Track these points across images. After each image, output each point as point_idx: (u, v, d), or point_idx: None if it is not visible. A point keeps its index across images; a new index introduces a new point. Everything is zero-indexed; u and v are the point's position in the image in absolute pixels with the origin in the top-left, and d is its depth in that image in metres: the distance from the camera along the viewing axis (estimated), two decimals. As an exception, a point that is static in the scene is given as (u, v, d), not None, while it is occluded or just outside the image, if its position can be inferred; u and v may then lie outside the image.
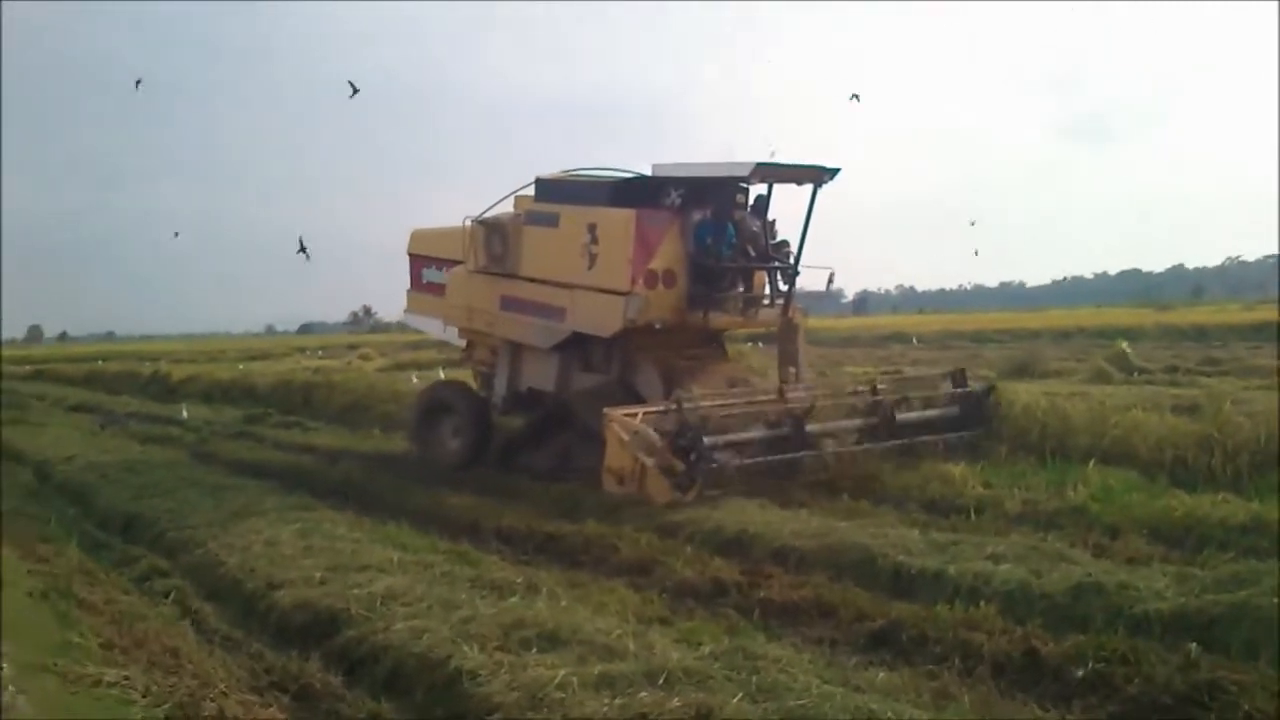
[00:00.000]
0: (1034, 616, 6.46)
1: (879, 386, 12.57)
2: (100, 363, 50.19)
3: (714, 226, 12.66)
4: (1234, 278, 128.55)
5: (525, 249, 13.66)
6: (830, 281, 13.56)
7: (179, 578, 8.77)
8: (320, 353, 53.02)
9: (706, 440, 10.47)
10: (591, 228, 12.71)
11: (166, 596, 8.20)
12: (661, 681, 5.25)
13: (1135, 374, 22.79)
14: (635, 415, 10.99)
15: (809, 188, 12.49)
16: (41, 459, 16.32)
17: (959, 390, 12.85)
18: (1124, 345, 27.72)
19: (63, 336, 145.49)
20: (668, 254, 12.46)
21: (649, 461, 10.55)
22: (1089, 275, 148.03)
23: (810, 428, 11.25)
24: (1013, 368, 23.65)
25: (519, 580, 7.61)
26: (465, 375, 17.04)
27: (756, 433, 11.19)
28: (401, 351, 45.31)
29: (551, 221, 13.32)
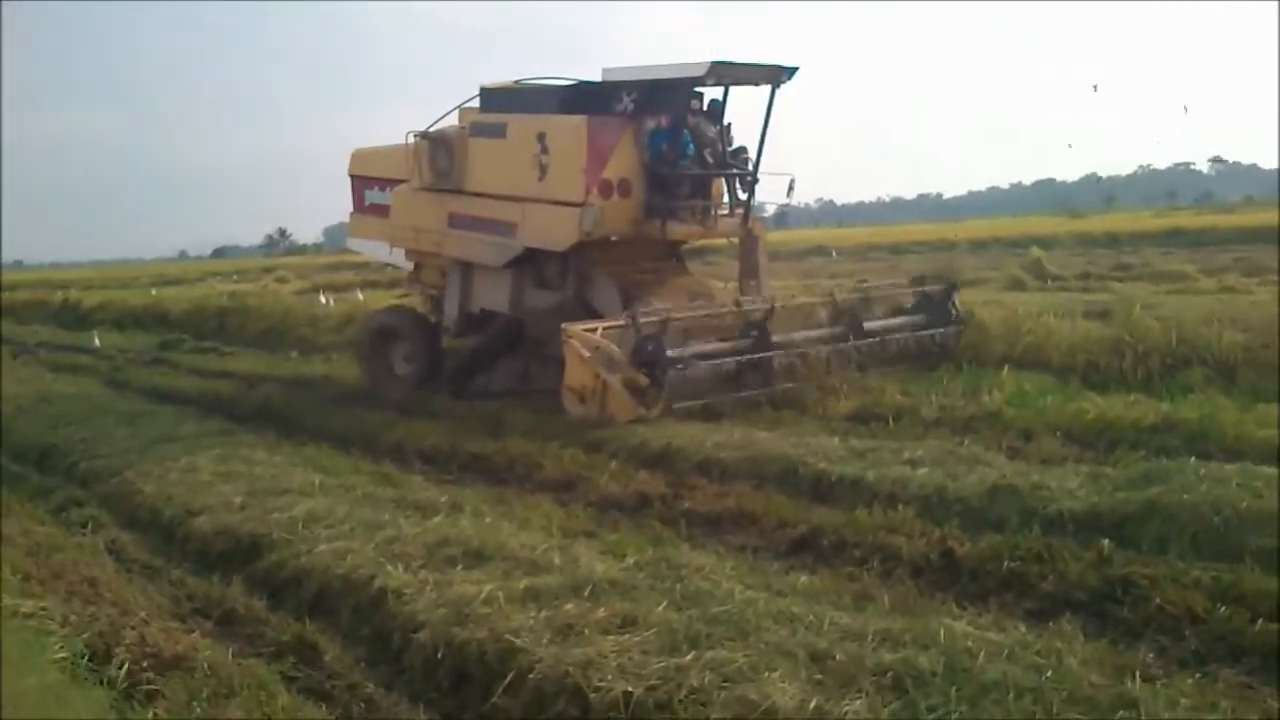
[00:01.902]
0: (951, 519, 6.59)
1: (841, 295, 12.41)
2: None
3: (669, 132, 12.14)
4: (1145, 185, 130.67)
5: (472, 163, 13.10)
6: (791, 189, 12.95)
7: (96, 507, 8.63)
8: (235, 277, 51.99)
9: (670, 353, 10.21)
10: (541, 137, 12.17)
11: (84, 526, 8.06)
12: (587, 593, 5.29)
13: (1049, 281, 23.19)
14: (594, 331, 10.71)
15: (766, 90, 12.08)
16: (-53, 392, 15.85)
17: (919, 291, 12.86)
18: (1038, 253, 28.17)
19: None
20: (622, 162, 12.02)
21: (611, 378, 10.28)
22: (1005, 186, 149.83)
23: (776, 337, 11.00)
24: (930, 278, 23.88)
25: (443, 499, 7.59)
26: (381, 296, 16.79)
27: (720, 344, 10.88)
28: (318, 274, 44.62)
29: (499, 132, 12.77)
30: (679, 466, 8.57)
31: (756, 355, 10.82)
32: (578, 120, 11.90)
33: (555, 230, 12.11)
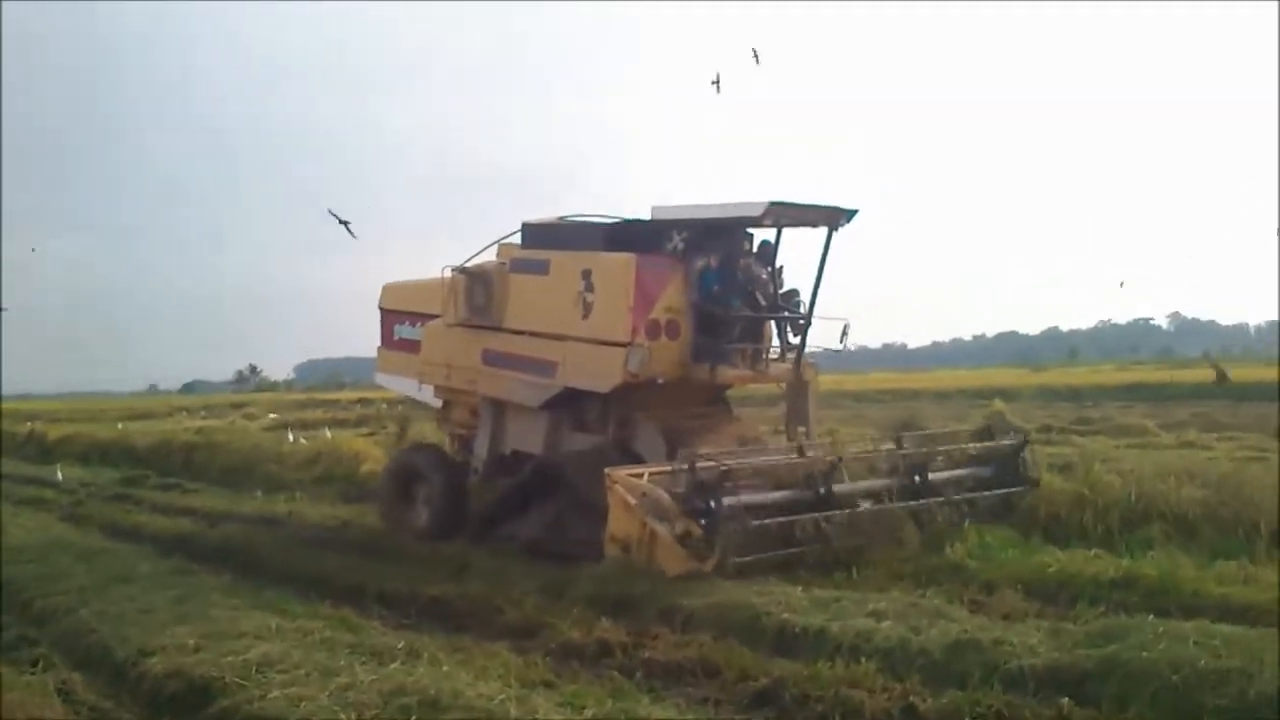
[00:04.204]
0: (913, 673, 6.55)
1: (905, 445, 11.61)
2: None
3: (720, 273, 11.83)
4: (1107, 339, 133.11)
5: (512, 299, 12.76)
6: (845, 334, 12.39)
7: (47, 646, 8.45)
8: (203, 412, 51.77)
9: (726, 502, 9.52)
10: (586, 274, 11.79)
11: (34, 665, 7.89)
12: (543, 747, 5.22)
13: (1011, 433, 23.33)
14: (640, 476, 10.07)
15: (823, 231, 11.75)
16: (-99, 523, 15.59)
17: (988, 445, 12.02)
18: (1000, 405, 28.47)
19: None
20: (670, 302, 11.63)
21: (660, 528, 9.51)
22: (967, 337, 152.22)
23: (838, 488, 10.34)
24: (894, 427, 24.03)
25: (400, 646, 7.51)
26: (348, 435, 16.65)
27: (779, 494, 10.22)
28: (288, 411, 44.53)
29: (541, 269, 12.47)
30: (642, 613, 8.49)
31: (820, 509, 10.16)
32: (626, 258, 11.57)
33: (599, 371, 11.68)
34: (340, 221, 16.69)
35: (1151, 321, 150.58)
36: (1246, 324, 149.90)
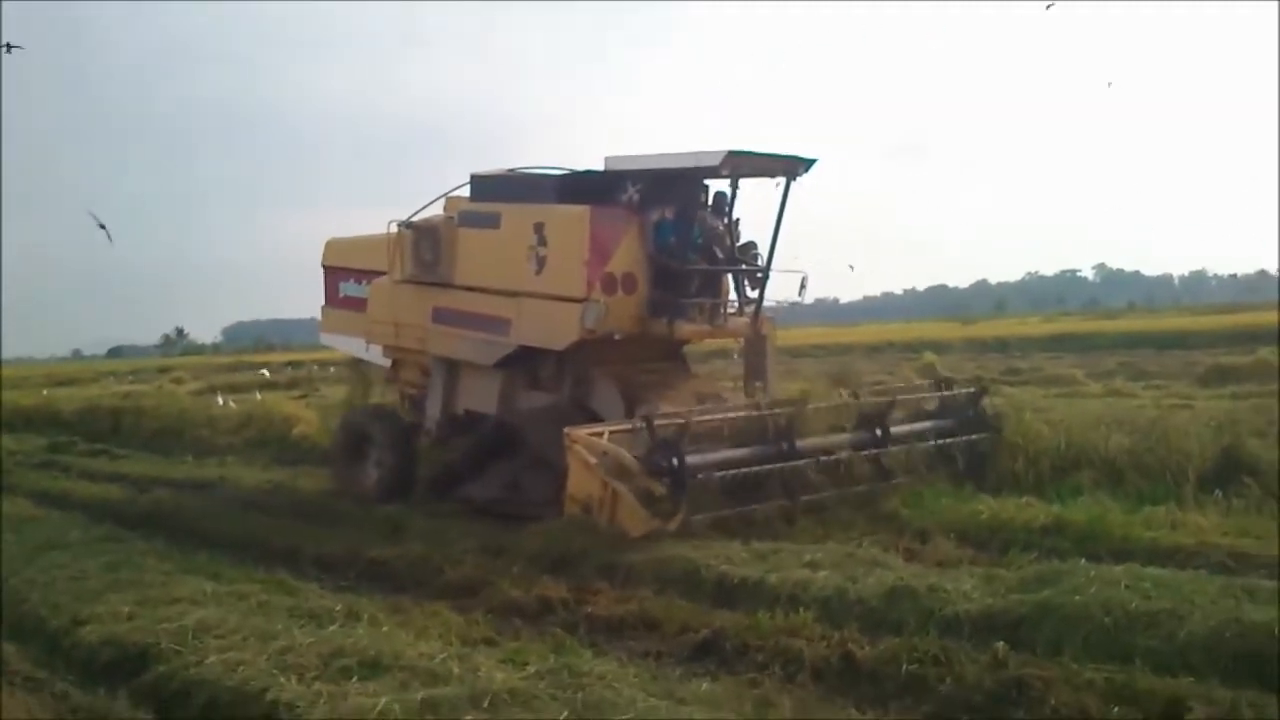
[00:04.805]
0: (850, 621, 6.63)
1: (864, 398, 11.60)
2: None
3: (677, 225, 11.45)
4: (1034, 291, 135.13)
5: (461, 254, 12.32)
6: (803, 287, 11.95)
7: (-24, 618, 8.30)
8: (130, 377, 50.85)
9: (689, 460, 9.31)
10: (539, 227, 11.37)
11: (-38, 638, 7.75)
12: (486, 704, 5.22)
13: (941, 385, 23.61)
14: (600, 435, 9.74)
15: (781, 182, 11.32)
16: None
17: (945, 395, 12.22)
18: (931, 358, 28.83)
19: None
20: (626, 256, 11.24)
21: (621, 487, 9.25)
22: (899, 291, 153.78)
23: (801, 443, 10.21)
24: (827, 381, 24.19)
25: (338, 608, 7.45)
26: (279, 397, 16.40)
27: (740, 451, 9.95)
28: (216, 374, 43.91)
29: (491, 222, 12.01)
30: (583, 570, 8.48)
31: (783, 463, 9.99)
32: (580, 210, 11.18)
33: (554, 327, 11.34)
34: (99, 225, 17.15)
35: (1078, 273, 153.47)
36: (1171, 275, 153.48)
